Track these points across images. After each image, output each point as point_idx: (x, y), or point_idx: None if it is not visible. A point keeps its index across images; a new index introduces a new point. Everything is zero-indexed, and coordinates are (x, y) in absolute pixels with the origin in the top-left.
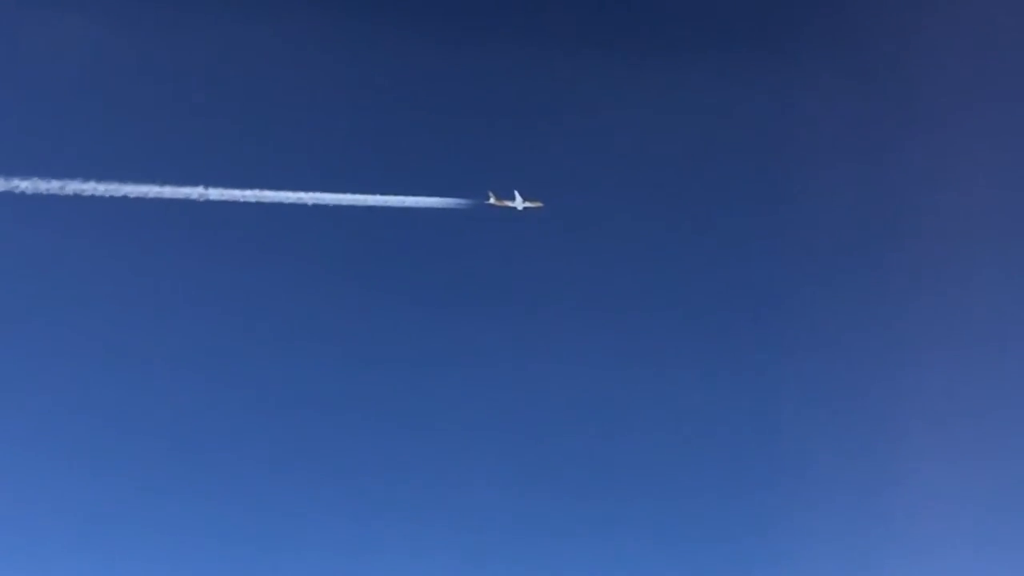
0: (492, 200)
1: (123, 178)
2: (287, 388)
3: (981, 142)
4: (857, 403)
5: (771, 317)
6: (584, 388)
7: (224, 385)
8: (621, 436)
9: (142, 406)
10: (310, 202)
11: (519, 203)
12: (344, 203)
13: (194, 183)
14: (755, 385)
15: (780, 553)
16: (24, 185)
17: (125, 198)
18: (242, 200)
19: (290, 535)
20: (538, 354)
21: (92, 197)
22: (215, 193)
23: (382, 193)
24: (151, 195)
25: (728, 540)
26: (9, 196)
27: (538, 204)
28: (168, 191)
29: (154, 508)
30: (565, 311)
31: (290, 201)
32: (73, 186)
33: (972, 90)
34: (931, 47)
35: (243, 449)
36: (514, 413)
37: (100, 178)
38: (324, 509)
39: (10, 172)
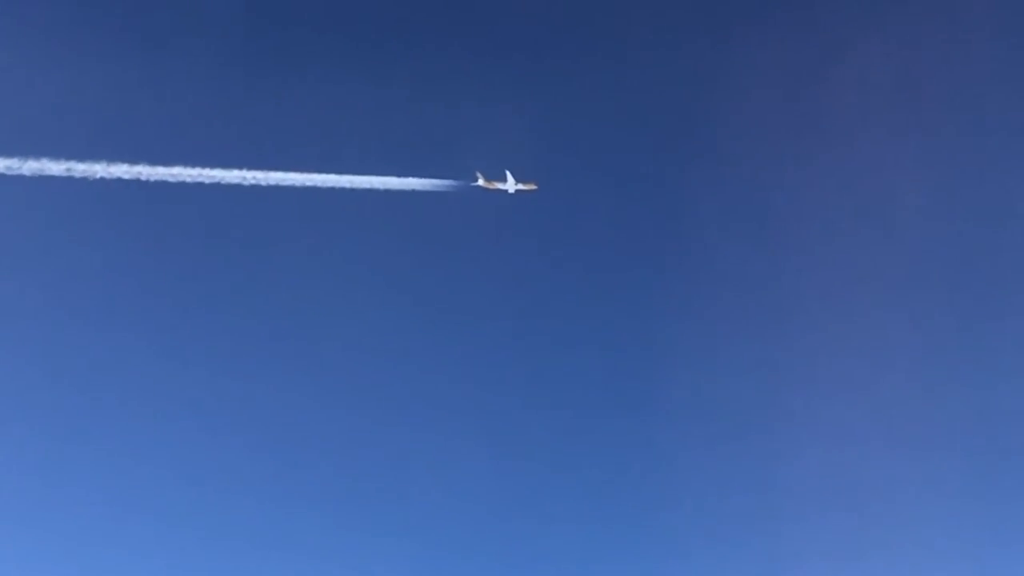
0: (481, 182)
1: (99, 157)
2: (270, 372)
3: None
4: None
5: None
6: (574, 373)
7: (200, 369)
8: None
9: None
10: (288, 183)
11: (511, 185)
12: (321, 184)
13: (173, 163)
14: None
15: None
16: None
17: (103, 179)
18: (221, 181)
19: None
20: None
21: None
22: (194, 173)
23: (359, 174)
24: (126, 175)
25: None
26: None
27: (532, 186)
28: (146, 171)
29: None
30: (558, 299)
31: (271, 182)
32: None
33: None
34: None
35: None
36: (501, 397)
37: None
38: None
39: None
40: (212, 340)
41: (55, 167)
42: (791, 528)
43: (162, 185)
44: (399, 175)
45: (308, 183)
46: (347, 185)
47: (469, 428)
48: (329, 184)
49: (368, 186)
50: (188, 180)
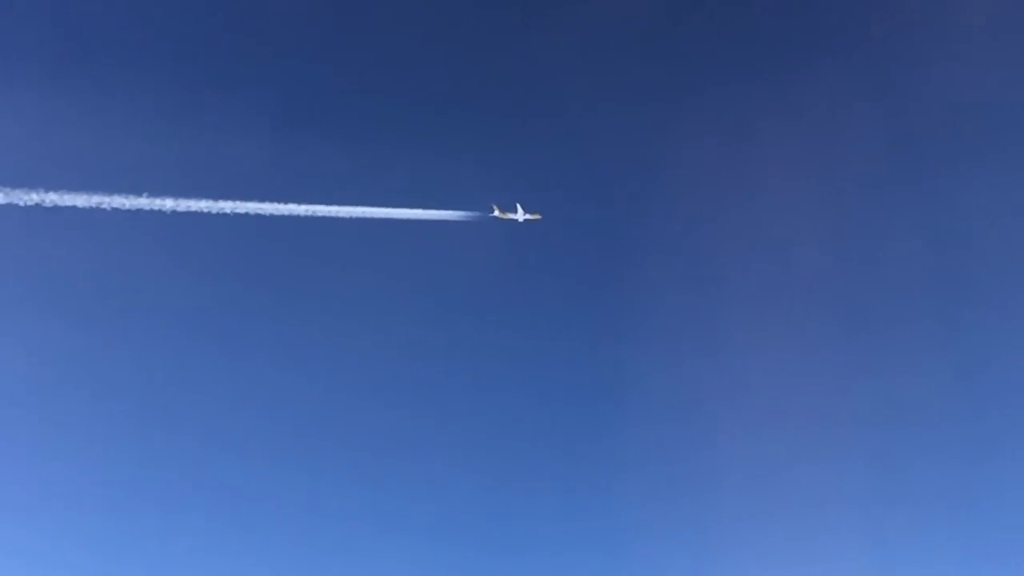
0: (496, 212)
1: (123, 190)
2: (290, 394)
3: None
4: None
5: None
6: (584, 390)
7: (225, 390)
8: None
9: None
10: (319, 215)
11: (520, 215)
12: (358, 215)
13: (200, 196)
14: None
15: None
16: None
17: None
18: (253, 212)
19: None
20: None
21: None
22: (224, 206)
23: (393, 206)
24: (149, 207)
25: None
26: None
27: (537, 216)
28: (170, 203)
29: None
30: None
31: (299, 214)
32: (70, 198)
33: None
34: None
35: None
36: (514, 411)
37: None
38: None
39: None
40: (233, 349)
41: (85, 200)
42: (762, 525)
43: (176, 216)
44: (431, 208)
45: (361, 215)
46: (392, 216)
47: (472, 441)
48: (378, 216)
49: (408, 217)
50: (221, 212)
